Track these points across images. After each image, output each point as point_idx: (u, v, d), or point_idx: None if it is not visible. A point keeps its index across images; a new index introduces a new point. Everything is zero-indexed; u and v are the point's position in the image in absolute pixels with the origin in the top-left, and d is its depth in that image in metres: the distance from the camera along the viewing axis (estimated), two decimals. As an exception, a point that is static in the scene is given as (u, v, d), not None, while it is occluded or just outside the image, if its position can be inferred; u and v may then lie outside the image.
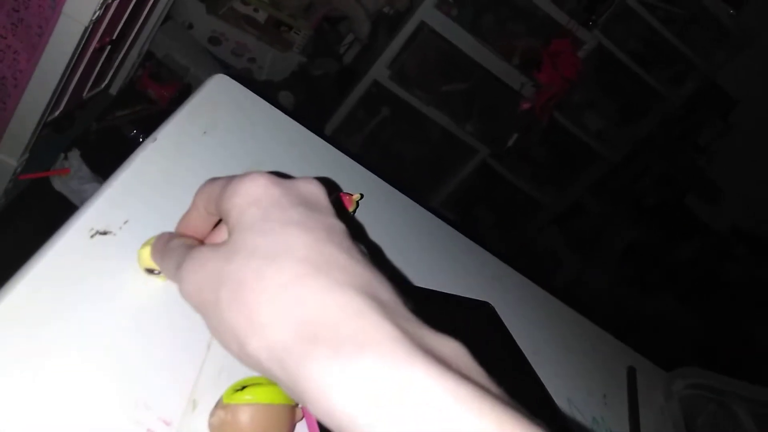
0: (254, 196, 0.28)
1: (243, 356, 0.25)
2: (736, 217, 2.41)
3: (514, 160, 2.23)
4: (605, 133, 2.20)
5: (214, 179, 0.32)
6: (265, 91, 0.61)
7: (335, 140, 0.65)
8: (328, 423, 0.22)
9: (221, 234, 0.34)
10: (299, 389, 0.23)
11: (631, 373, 0.65)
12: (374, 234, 0.56)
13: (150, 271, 0.34)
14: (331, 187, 0.30)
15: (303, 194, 0.29)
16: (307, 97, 2.07)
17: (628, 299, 2.14)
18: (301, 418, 0.33)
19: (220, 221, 0.33)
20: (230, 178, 0.30)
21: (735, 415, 0.56)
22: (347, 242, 0.27)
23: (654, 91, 2.11)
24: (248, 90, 0.61)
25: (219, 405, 0.31)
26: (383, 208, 0.62)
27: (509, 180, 2.26)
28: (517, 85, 1.97)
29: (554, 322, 0.68)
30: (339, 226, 0.28)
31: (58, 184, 1.36)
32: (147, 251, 0.33)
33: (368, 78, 2.02)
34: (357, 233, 0.54)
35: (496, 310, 0.60)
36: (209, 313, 0.26)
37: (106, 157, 1.32)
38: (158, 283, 0.35)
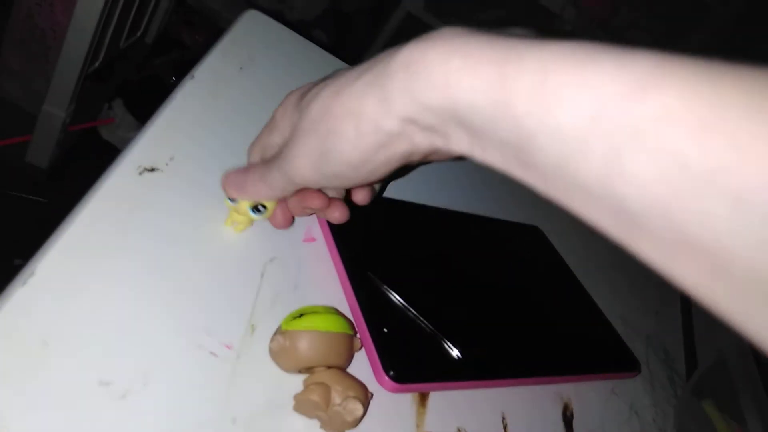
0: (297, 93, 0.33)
1: (363, 146, 0.27)
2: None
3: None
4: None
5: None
6: (298, 30, 0.60)
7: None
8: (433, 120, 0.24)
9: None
10: (398, 111, 0.25)
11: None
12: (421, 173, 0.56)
13: (256, 209, 0.35)
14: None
15: None
16: (340, 34, 2.03)
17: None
18: (360, 348, 0.34)
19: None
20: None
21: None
22: None
23: (703, 3, 1.98)
24: (281, 25, 0.60)
25: (278, 331, 0.31)
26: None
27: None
28: (558, 8, 1.87)
29: (603, 243, 0.67)
30: None
31: (105, 133, 1.39)
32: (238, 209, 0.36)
33: (401, 10, 1.96)
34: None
35: (545, 233, 0.59)
36: (324, 150, 0.29)
37: (149, 105, 1.33)
38: (207, 215, 0.36)
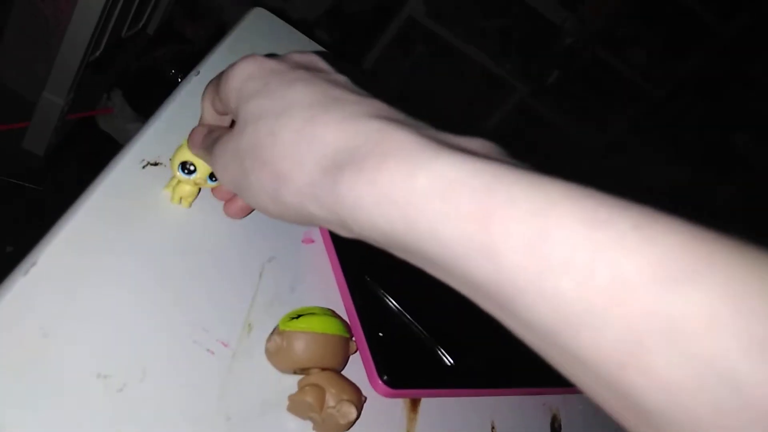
0: (248, 71, 0.28)
1: (283, 210, 0.25)
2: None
3: (554, 98, 2.16)
4: (649, 69, 2.11)
5: (212, 79, 0.32)
6: (299, 29, 0.61)
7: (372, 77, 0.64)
8: (379, 239, 0.22)
9: None
10: (341, 218, 0.22)
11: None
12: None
13: (184, 167, 0.33)
14: (328, 59, 0.30)
15: (299, 61, 0.29)
16: (342, 35, 2.03)
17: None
18: (355, 351, 0.34)
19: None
20: (224, 70, 0.29)
21: None
22: (353, 86, 0.26)
23: (703, 22, 2.00)
24: (286, 24, 0.60)
25: (275, 332, 0.32)
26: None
27: (549, 119, 2.20)
28: (559, 19, 1.89)
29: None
30: (342, 78, 0.27)
31: (103, 123, 1.39)
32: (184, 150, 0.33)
33: (403, 14, 1.97)
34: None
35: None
36: (242, 187, 0.27)
37: (147, 97, 1.33)
38: (209, 210, 0.36)
